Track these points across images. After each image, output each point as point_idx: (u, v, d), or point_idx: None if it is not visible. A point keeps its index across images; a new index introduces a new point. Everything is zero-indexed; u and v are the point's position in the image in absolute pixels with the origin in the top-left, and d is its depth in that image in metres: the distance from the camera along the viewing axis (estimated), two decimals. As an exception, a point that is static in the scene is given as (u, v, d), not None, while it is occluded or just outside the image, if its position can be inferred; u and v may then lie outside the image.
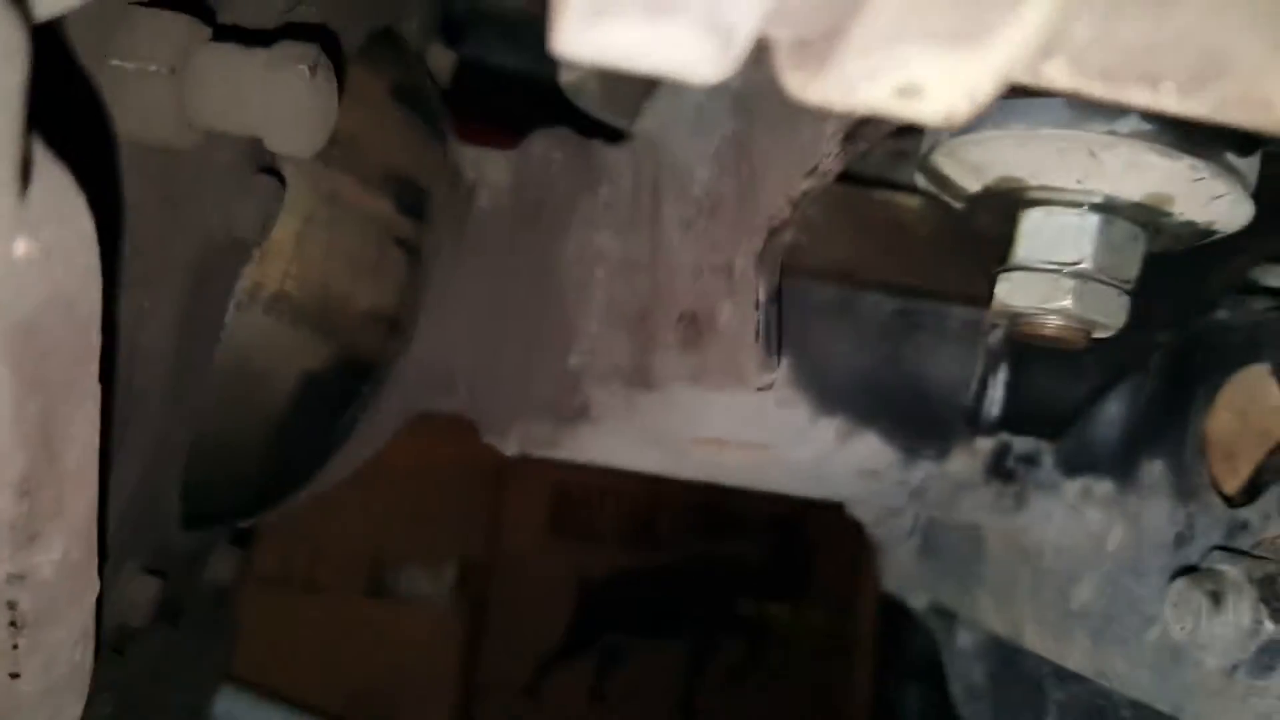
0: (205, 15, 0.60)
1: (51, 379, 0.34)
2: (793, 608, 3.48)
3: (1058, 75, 0.29)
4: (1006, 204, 0.70)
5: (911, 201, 0.97)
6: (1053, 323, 0.69)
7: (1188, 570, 0.83)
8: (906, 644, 3.10)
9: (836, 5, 0.27)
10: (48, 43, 0.42)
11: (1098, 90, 0.30)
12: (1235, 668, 0.78)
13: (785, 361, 0.93)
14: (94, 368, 0.38)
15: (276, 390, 0.82)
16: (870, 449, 0.97)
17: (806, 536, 3.41)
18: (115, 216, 0.55)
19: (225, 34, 0.60)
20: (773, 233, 0.78)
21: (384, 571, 3.12)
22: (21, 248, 0.30)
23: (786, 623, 3.47)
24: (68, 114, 0.53)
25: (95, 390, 0.38)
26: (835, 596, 3.42)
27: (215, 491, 0.82)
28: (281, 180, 0.72)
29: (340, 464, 0.93)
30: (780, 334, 0.90)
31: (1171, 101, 0.30)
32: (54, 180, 0.33)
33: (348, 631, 3.03)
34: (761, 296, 0.81)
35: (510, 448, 0.97)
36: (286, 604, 2.92)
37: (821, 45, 0.27)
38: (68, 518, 0.39)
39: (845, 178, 0.94)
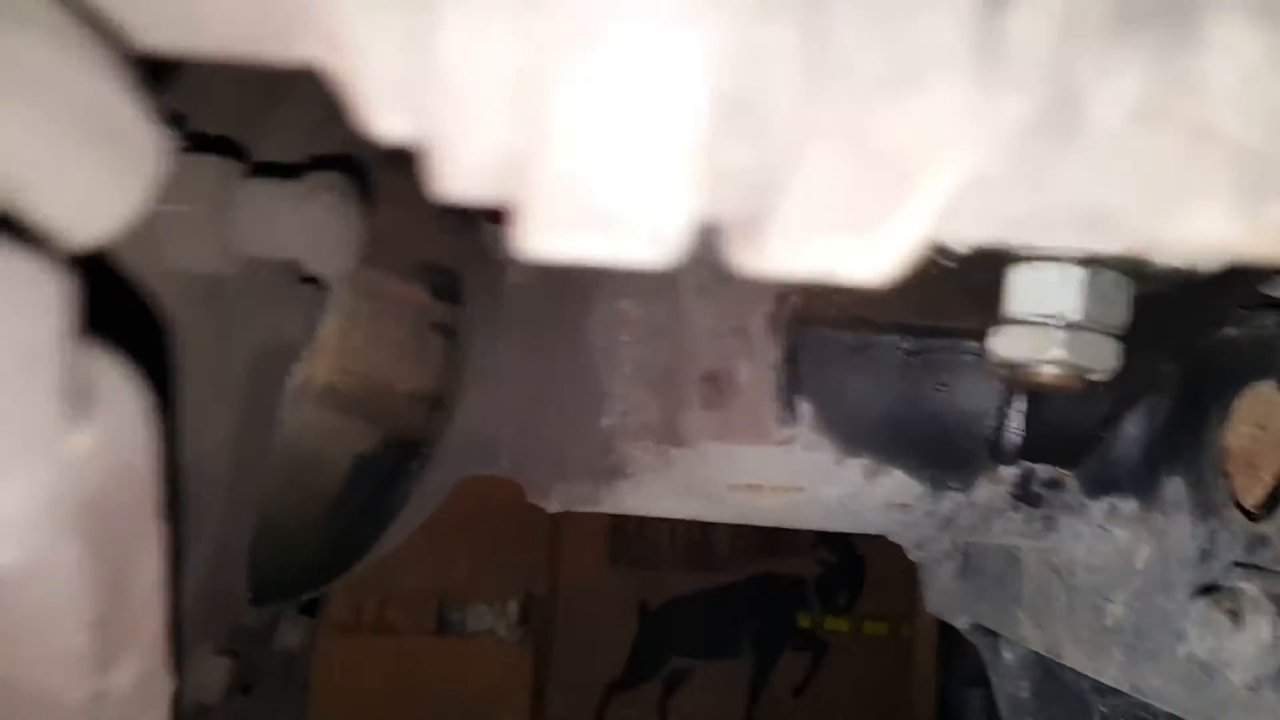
0: (238, 155, 0.66)
1: (117, 536, 0.39)
2: (852, 620, 3.49)
3: (964, 235, 0.33)
4: (995, 261, 0.73)
5: (918, 246, 1.00)
6: (1048, 372, 0.72)
7: (1210, 589, 0.86)
8: (967, 649, 3.09)
9: (754, 206, 0.31)
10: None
11: (1004, 240, 0.34)
12: (1260, 683, 0.81)
13: (809, 408, 0.97)
14: (155, 513, 0.43)
15: (331, 473, 0.88)
16: (897, 484, 1.01)
17: (860, 549, 3.42)
18: (167, 353, 0.60)
19: (259, 170, 0.66)
20: (782, 296, 0.83)
21: (450, 611, 3.19)
22: (83, 443, 0.35)
23: (847, 635, 3.48)
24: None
25: (158, 531, 0.44)
26: (893, 606, 3.43)
27: (280, 570, 0.88)
28: (323, 286, 0.78)
29: (395, 533, 0.98)
30: (798, 387, 0.95)
31: (1072, 246, 0.34)
32: (108, 373, 0.38)
33: (419, 671, 3.10)
34: (777, 355, 0.86)
35: (554, 506, 1.02)
36: (359, 648, 3.00)
37: (751, 231, 0.32)
38: (140, 640, 0.45)
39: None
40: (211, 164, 0.63)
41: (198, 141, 0.63)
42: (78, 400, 0.33)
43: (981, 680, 2.96)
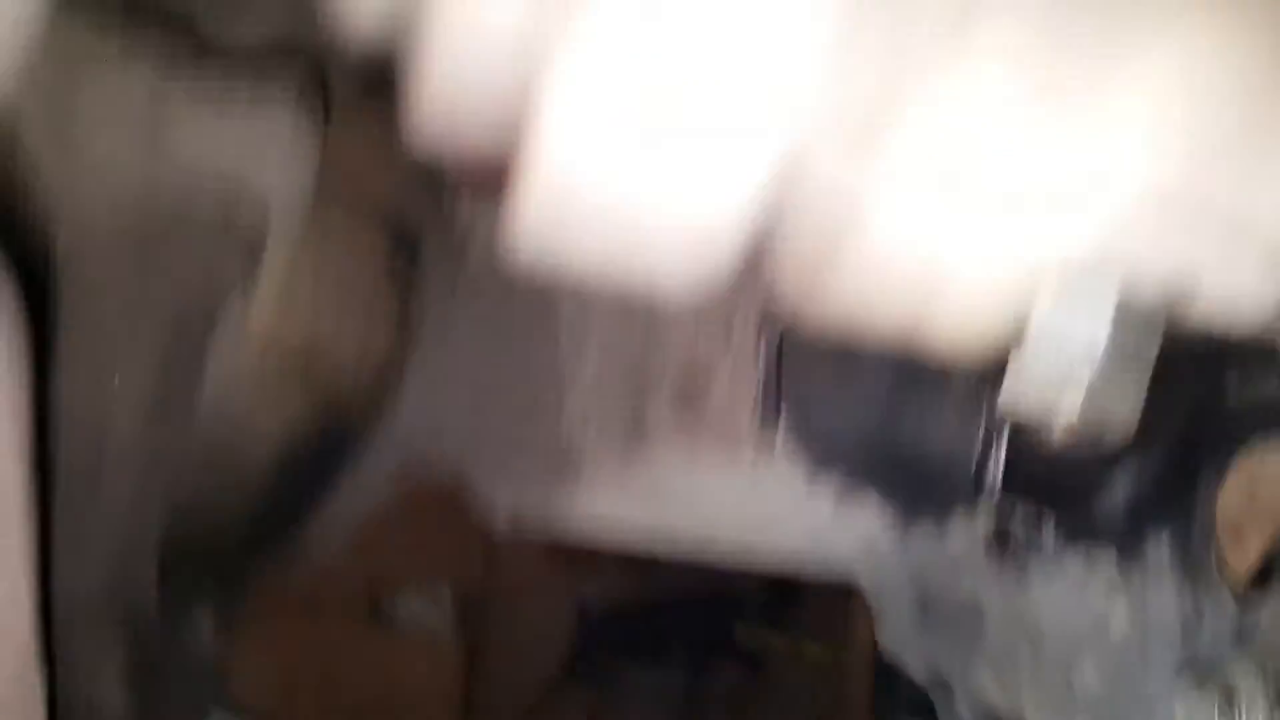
0: (190, 30, 0.57)
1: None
2: (790, 638, 3.45)
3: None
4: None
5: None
6: (1065, 420, 0.65)
7: (1195, 664, 0.82)
8: (902, 676, 3.08)
9: None
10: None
11: None
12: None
13: (785, 417, 0.91)
14: (19, 499, 0.36)
15: (258, 443, 0.80)
16: (868, 514, 0.95)
17: (804, 568, 3.39)
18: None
19: (207, 52, 0.57)
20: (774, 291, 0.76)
21: (383, 600, 3.13)
22: None
23: (784, 653, 3.44)
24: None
25: (22, 523, 0.36)
26: (831, 629, 3.40)
27: (195, 555, 0.79)
28: (266, 229, 0.70)
29: (325, 527, 0.91)
30: (780, 395, 0.88)
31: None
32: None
33: (347, 658, 3.04)
34: (761, 356, 0.80)
35: (499, 514, 0.95)
36: (287, 630, 2.93)
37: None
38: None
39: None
40: (143, 72, 0.54)
41: (143, 17, 0.54)
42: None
43: (914, 709, 2.95)
